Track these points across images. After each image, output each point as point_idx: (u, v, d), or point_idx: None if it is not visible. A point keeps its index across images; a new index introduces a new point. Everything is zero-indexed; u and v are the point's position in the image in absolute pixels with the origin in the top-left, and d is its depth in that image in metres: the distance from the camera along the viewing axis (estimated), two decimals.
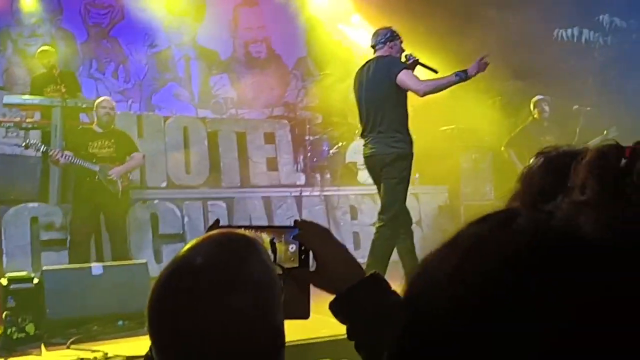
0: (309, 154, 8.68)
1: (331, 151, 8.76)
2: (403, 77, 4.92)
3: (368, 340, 1.13)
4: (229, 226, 1.17)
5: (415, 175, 8.74)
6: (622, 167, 1.06)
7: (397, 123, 5.04)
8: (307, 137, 8.74)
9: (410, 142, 5.09)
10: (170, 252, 7.11)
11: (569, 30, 8.14)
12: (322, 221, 7.87)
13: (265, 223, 7.58)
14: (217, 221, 1.21)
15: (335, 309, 1.16)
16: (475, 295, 0.46)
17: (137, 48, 9.89)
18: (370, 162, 5.18)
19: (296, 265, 1.19)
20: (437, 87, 4.94)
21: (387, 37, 5.17)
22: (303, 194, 7.93)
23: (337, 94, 8.97)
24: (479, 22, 9.10)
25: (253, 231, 1.18)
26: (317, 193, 8.06)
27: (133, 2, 9.53)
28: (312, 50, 10.67)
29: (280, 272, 1.14)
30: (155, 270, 6.31)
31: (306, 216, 7.81)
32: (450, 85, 4.93)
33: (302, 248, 1.19)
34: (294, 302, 1.16)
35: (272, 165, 8.11)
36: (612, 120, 7.73)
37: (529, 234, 0.48)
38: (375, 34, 5.29)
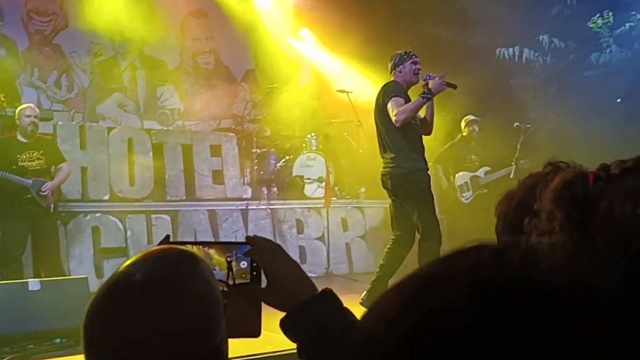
0: (255, 167, 8.66)
1: (278, 164, 8.76)
2: (389, 105, 5.17)
3: (318, 358, 1.11)
4: (180, 242, 1.14)
5: (360, 189, 8.84)
6: (586, 196, 1.09)
7: (395, 146, 5.26)
8: (254, 150, 8.71)
9: (411, 162, 5.26)
10: (112, 267, 6.96)
11: (511, 49, 8.36)
12: (268, 235, 7.86)
13: (210, 237, 7.52)
14: (168, 237, 1.18)
15: (286, 326, 1.13)
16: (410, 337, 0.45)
17: (81, 56, 9.68)
18: (381, 182, 5.47)
19: (247, 281, 1.16)
20: (408, 111, 5.12)
21: (395, 63, 5.38)
22: (249, 207, 7.90)
23: (285, 107, 9.00)
24: (425, 38, 9.28)
25: (202, 247, 1.16)
26: (264, 207, 8.05)
27: (77, 9, 9.36)
28: (260, 63, 10.67)
29: (226, 289, 1.12)
30: (96, 286, 6.16)
31: (252, 230, 7.79)
32: (420, 107, 5.20)
33: (254, 264, 1.16)
34: (245, 320, 1.13)
35: (219, 178, 8.05)
36: (550, 136, 7.99)
37: (488, 269, 0.47)
38: (389, 61, 5.51)
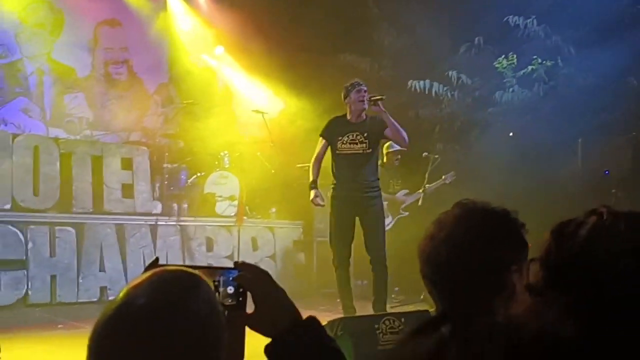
0: (166, 182, 8.53)
1: (189, 180, 8.68)
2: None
3: None
4: (167, 265, 1.13)
5: (271, 209, 8.90)
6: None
7: (334, 173, 6.03)
8: (165, 165, 8.58)
9: (333, 189, 6.00)
10: (10, 280, 6.66)
11: (421, 82, 8.71)
12: (177, 251, 7.75)
13: (116, 251, 7.33)
14: (157, 259, 1.16)
15: (271, 351, 1.17)
16: None
17: None
18: None
19: (233, 305, 1.17)
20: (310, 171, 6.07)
21: (344, 96, 5.92)
22: (159, 223, 7.76)
23: (198, 123, 8.94)
24: (340, 66, 9.53)
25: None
26: (173, 223, 7.93)
27: None
28: (174, 77, 10.54)
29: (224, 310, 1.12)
30: None
31: (161, 246, 7.66)
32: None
33: (240, 290, 1.18)
34: (229, 344, 1.13)
35: (128, 192, 7.85)
36: (454, 166, 8.39)
37: None
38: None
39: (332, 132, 5.96)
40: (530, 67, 8.17)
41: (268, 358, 1.18)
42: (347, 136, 5.87)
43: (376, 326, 4.00)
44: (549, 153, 7.73)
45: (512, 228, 1.48)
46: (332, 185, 6.00)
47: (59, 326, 5.98)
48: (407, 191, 8.06)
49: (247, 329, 1.19)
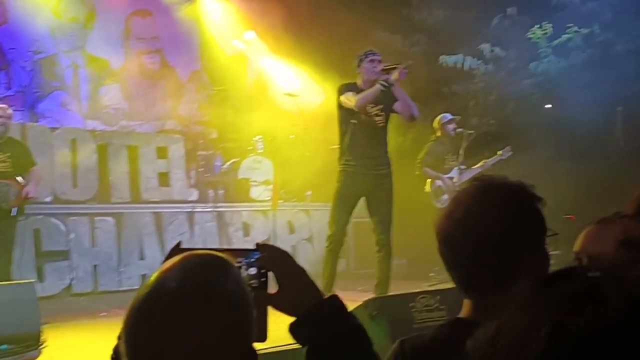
0: (201, 169, 8.61)
1: (224, 167, 8.74)
2: (342, 99, 5.37)
3: None
4: (191, 249, 1.14)
5: (307, 192, 8.91)
6: None
7: (342, 148, 5.54)
8: (200, 152, 8.66)
9: (345, 163, 5.50)
10: (54, 271, 6.83)
11: (453, 57, 8.57)
12: (214, 237, 7.84)
13: (155, 239, 7.45)
14: (179, 243, 1.19)
15: (295, 330, 1.18)
16: None
17: (21, 53, 9.41)
18: None
19: (255, 286, 1.19)
20: (367, 97, 5.28)
21: (357, 65, 5.52)
22: (195, 210, 7.85)
23: (231, 109, 8.98)
24: (367, 44, 9.41)
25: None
26: (210, 209, 8.01)
27: (17, 5, 9.09)
28: (206, 65, 10.59)
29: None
30: (39, 290, 6.03)
31: (198, 233, 7.75)
32: (376, 94, 5.27)
33: (262, 271, 1.20)
34: None
35: (164, 180, 7.97)
36: (491, 142, 8.24)
37: None
38: None
39: (358, 92, 5.38)
40: (565, 36, 7.95)
41: (293, 336, 1.19)
42: None
43: (411, 304, 3.97)
44: (589, 122, 7.51)
45: (527, 202, 1.42)
46: (343, 160, 5.52)
47: (102, 314, 6.12)
48: (463, 167, 7.81)
49: (270, 309, 1.20)
